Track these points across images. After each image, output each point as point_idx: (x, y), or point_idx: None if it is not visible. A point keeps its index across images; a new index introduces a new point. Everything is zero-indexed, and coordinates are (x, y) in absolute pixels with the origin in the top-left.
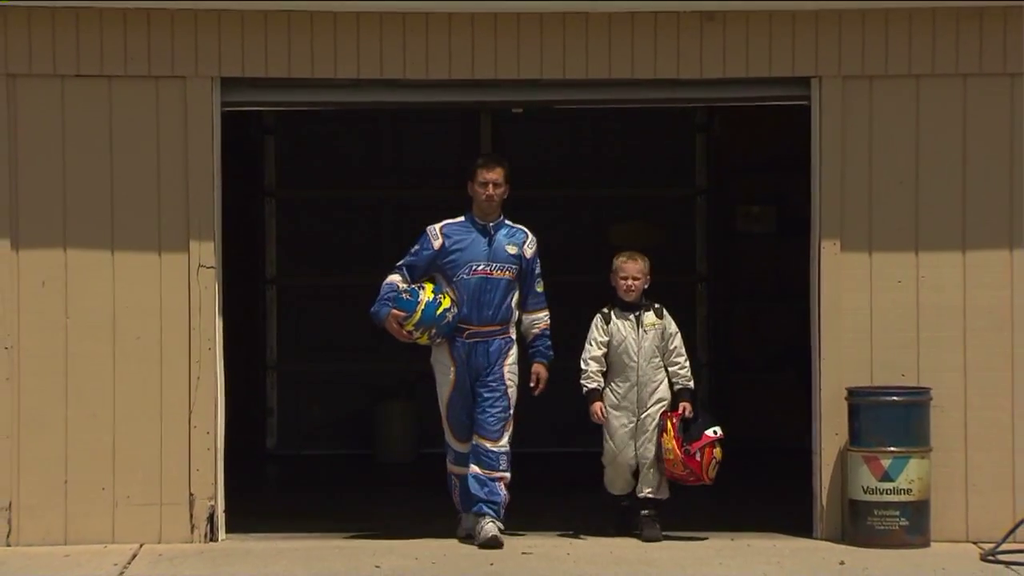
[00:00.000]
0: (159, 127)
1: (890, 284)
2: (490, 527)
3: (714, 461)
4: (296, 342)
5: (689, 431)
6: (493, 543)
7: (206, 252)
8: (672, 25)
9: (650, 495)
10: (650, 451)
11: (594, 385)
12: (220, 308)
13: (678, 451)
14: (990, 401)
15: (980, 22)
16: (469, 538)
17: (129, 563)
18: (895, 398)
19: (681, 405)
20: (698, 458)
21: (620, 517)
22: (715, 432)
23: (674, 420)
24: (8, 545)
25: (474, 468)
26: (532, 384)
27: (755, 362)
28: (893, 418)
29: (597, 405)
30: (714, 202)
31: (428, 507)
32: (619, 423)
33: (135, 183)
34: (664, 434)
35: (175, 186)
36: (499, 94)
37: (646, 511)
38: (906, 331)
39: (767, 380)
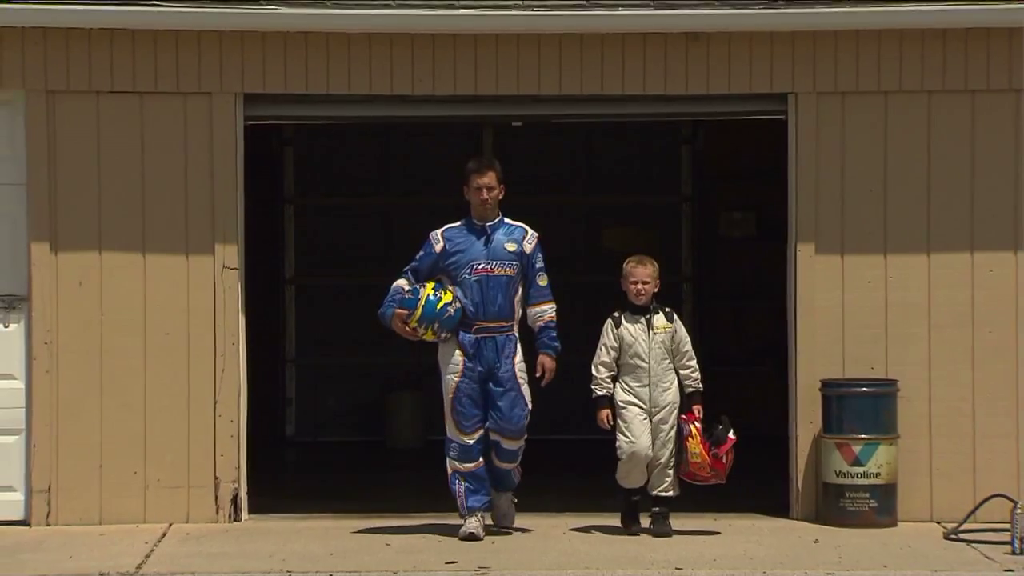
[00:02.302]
0: (187, 139)
1: (860, 284)
2: (504, 497)
3: (732, 462)
4: (312, 337)
5: (713, 435)
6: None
7: (230, 254)
8: (660, 45)
9: (662, 494)
10: (664, 454)
11: (603, 392)
12: (242, 306)
13: (706, 455)
14: (953, 392)
15: (943, 43)
16: (471, 537)
17: (159, 541)
18: (865, 389)
19: (694, 408)
20: (724, 460)
21: (630, 511)
22: (733, 435)
23: (696, 424)
24: (48, 524)
25: (496, 461)
26: (538, 375)
27: (736, 356)
28: (863, 408)
29: (604, 412)
30: (698, 208)
31: (434, 489)
32: (633, 414)
33: (165, 190)
34: (690, 439)
35: (201, 193)
36: (500, 109)
37: (657, 508)
38: (875, 327)
39: (747, 373)
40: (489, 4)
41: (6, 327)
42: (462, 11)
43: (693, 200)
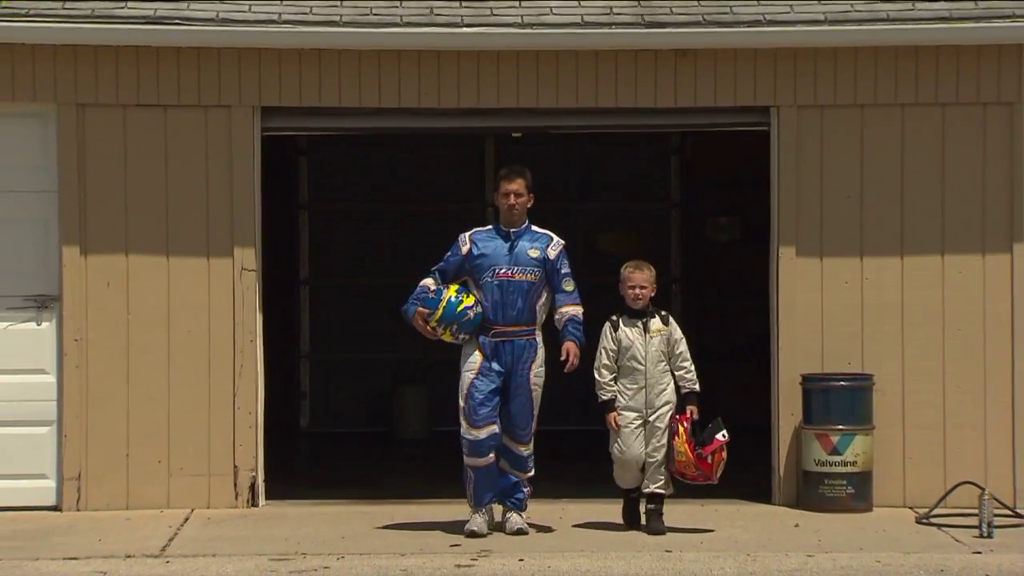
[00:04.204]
0: (207, 149)
1: (838, 285)
2: (516, 519)
3: (722, 462)
4: (325, 335)
5: (701, 434)
6: (520, 534)
7: (248, 257)
8: (650, 61)
9: (657, 490)
10: (659, 451)
11: (608, 396)
12: (260, 305)
13: (690, 454)
14: (924, 386)
15: (916, 60)
16: (474, 535)
17: (182, 525)
18: (843, 383)
19: (688, 408)
20: (709, 461)
21: (630, 508)
22: (724, 436)
23: (685, 424)
24: (78, 510)
25: (504, 465)
26: (562, 359)
27: (722, 352)
28: (841, 400)
29: (612, 415)
30: (687, 214)
31: (439, 477)
32: (626, 422)
33: (187, 197)
34: (676, 437)
35: (221, 200)
36: (501, 120)
37: (652, 505)
38: (852, 325)
39: (732, 368)
40: (491, 23)
41: (39, 325)
42: (466, 30)
43: (682, 206)
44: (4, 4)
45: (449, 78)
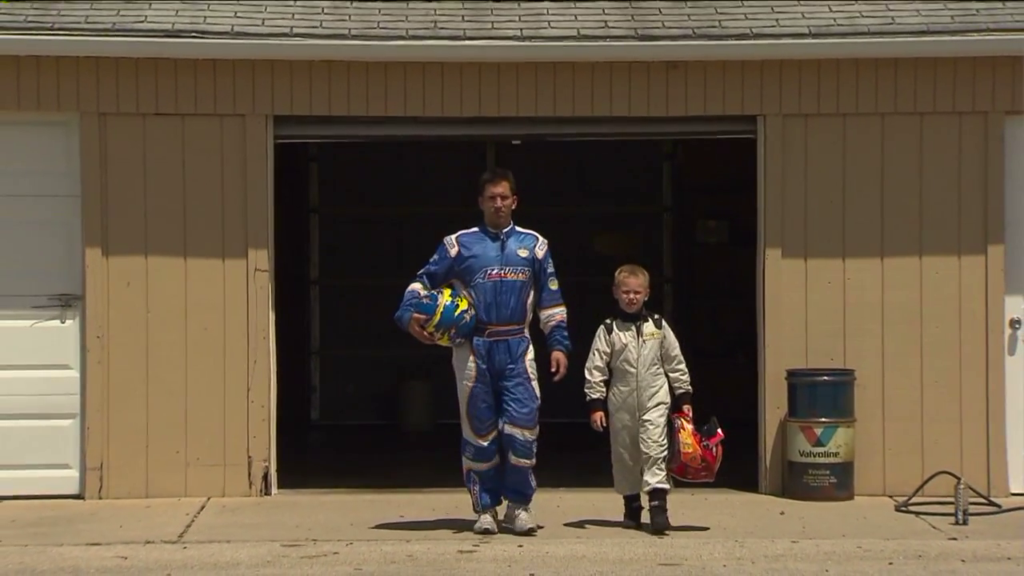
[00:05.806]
0: (223, 156)
1: (822, 285)
2: (525, 517)
3: (720, 458)
4: (334, 332)
5: (702, 430)
6: (530, 533)
7: (261, 258)
8: (643, 72)
9: (657, 485)
10: (653, 449)
11: (596, 396)
12: (272, 304)
13: (697, 447)
14: (903, 380)
15: (895, 71)
16: (486, 532)
17: (199, 513)
18: (826, 378)
19: (685, 406)
20: (714, 452)
21: (633, 517)
22: (721, 432)
23: (686, 420)
24: (100, 498)
25: (511, 456)
26: (552, 370)
27: (712, 349)
28: (824, 394)
29: (597, 415)
30: (678, 217)
31: (443, 468)
32: (621, 424)
33: (203, 201)
34: (681, 432)
35: (236, 204)
36: (501, 128)
37: (655, 502)
38: (835, 323)
39: (722, 363)
40: (492, 36)
41: (63, 323)
42: (468, 42)
43: (673, 210)
44: (5, 4)
45: (452, 88)
